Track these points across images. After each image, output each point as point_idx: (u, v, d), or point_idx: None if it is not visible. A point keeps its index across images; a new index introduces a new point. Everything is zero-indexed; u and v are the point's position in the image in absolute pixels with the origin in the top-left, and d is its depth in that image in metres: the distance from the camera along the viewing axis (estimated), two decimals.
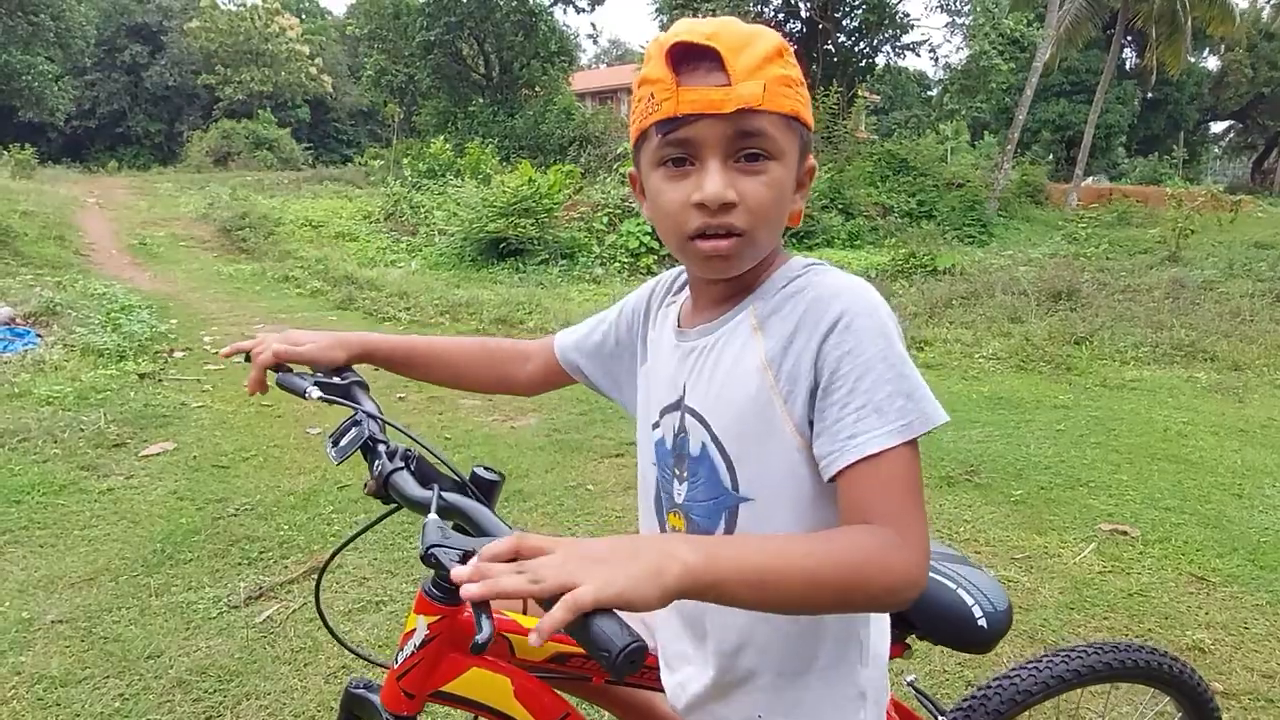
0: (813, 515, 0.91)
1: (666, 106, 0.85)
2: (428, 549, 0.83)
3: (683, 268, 1.07)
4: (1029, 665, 1.41)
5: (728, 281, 0.95)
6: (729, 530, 0.95)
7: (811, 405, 0.87)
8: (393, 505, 1.02)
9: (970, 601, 1.23)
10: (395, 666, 1.01)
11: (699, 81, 0.84)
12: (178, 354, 6.62)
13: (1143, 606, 2.78)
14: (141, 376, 5.72)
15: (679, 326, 1.04)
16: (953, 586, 1.25)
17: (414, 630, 0.99)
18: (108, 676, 2.32)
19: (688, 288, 1.07)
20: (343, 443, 1.06)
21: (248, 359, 1.21)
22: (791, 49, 0.90)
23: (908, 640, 1.29)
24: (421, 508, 0.92)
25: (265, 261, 12.70)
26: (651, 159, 0.91)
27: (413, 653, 0.99)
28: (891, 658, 1.25)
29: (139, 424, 4.68)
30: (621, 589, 0.65)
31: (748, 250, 0.90)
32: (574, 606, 0.63)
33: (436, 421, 4.90)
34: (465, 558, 0.80)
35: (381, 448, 1.03)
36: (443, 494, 0.93)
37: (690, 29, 0.85)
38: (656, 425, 1.05)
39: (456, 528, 0.90)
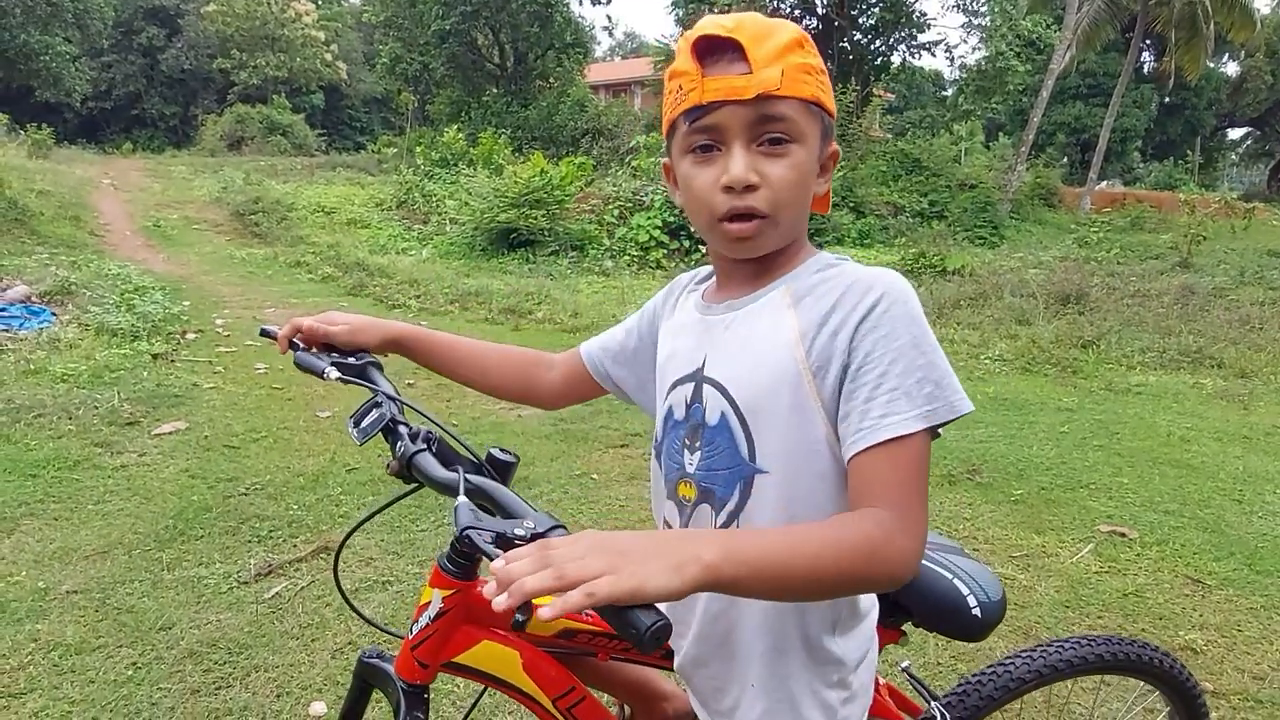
0: (826, 491, 0.94)
1: (693, 96, 0.91)
2: (462, 531, 0.85)
3: (708, 267, 1.12)
4: (1022, 654, 1.45)
5: (758, 262, 0.99)
6: (744, 499, 0.97)
7: (840, 384, 0.90)
8: (414, 485, 1.05)
9: (965, 591, 1.26)
10: (410, 637, 1.05)
11: (722, 71, 0.90)
12: (190, 336, 6.69)
13: (1137, 606, 2.81)
14: (155, 357, 5.79)
15: (704, 303, 1.08)
16: (949, 576, 1.28)
17: (429, 603, 1.03)
18: (121, 646, 2.38)
19: (712, 280, 1.11)
20: (365, 424, 1.09)
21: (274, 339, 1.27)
22: (810, 39, 0.95)
23: (903, 628, 1.33)
24: (447, 489, 0.95)
25: (277, 246, 12.78)
26: (681, 146, 0.96)
27: (427, 624, 1.03)
28: (886, 644, 1.28)
29: (152, 403, 4.74)
30: (639, 583, 0.68)
31: (772, 230, 0.95)
32: (590, 596, 0.66)
33: (444, 409, 4.95)
34: (497, 539, 0.83)
35: (403, 429, 1.06)
36: (467, 476, 0.95)
37: (714, 23, 0.91)
38: (666, 398, 1.08)
39: (480, 508, 0.93)
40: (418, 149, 19.70)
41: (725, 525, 0.99)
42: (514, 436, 4.47)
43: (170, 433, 4.30)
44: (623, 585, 0.67)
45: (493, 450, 1.03)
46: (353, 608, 1.16)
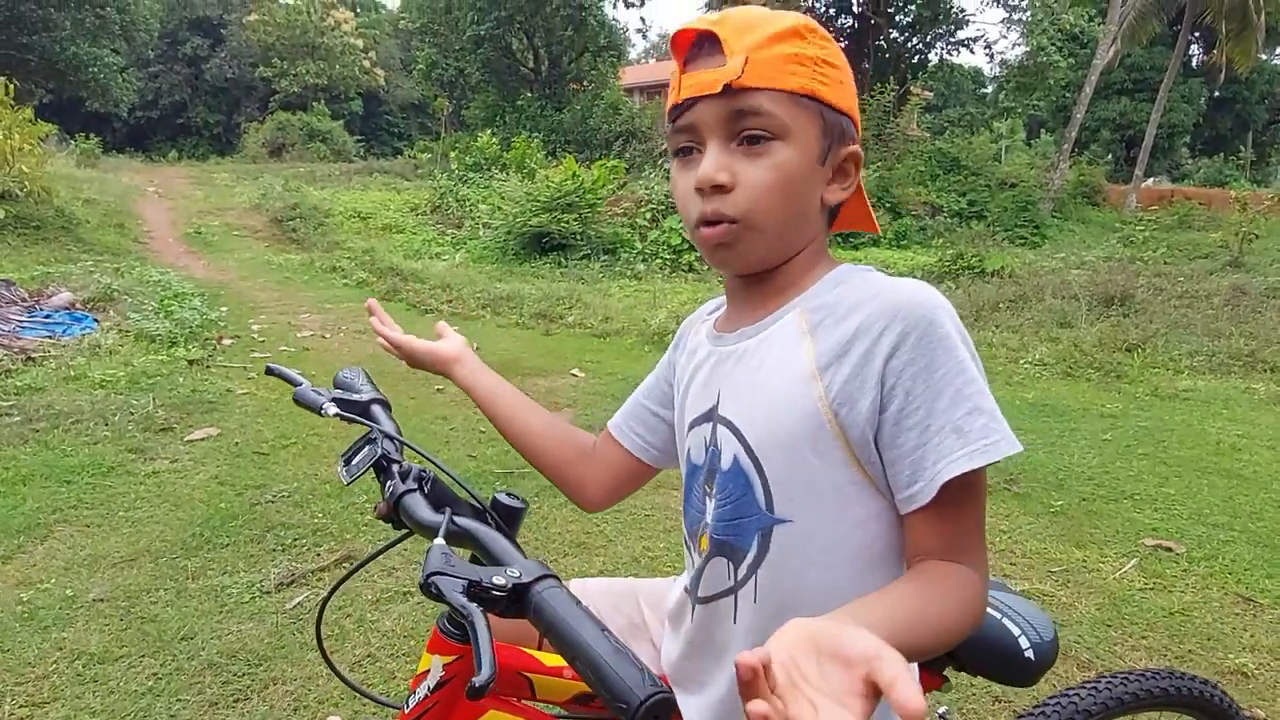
0: (859, 540, 0.85)
1: (672, 96, 0.87)
2: (428, 576, 0.72)
3: (719, 299, 1.06)
4: (1068, 694, 1.33)
5: (767, 282, 0.91)
6: (763, 551, 0.88)
7: (873, 423, 0.81)
8: (405, 530, 0.95)
9: (1016, 631, 1.17)
10: (406, 712, 0.93)
11: (699, 66, 0.85)
12: (226, 341, 6.78)
13: (1184, 626, 2.69)
14: (191, 363, 5.87)
15: (715, 333, 1.00)
16: (998, 615, 1.19)
17: (427, 671, 0.92)
18: (143, 656, 2.38)
19: (724, 308, 1.03)
20: (354, 461, 1.01)
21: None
22: (820, 30, 0.87)
23: (945, 672, 1.23)
24: (430, 532, 0.86)
25: (314, 252, 12.93)
26: (671, 150, 0.92)
27: (425, 696, 0.92)
28: (928, 690, 1.19)
29: (186, 409, 4.80)
30: None
31: (752, 239, 0.86)
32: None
33: (473, 415, 4.94)
34: (471, 588, 0.72)
35: (395, 468, 0.97)
36: (455, 519, 0.86)
37: (699, 18, 0.86)
38: (686, 440, 1.00)
39: (473, 558, 0.84)
40: (452, 154, 19.85)
41: (744, 579, 0.90)
42: None
43: (202, 439, 4.34)
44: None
45: (499, 494, 0.93)
46: (340, 676, 1.07)
